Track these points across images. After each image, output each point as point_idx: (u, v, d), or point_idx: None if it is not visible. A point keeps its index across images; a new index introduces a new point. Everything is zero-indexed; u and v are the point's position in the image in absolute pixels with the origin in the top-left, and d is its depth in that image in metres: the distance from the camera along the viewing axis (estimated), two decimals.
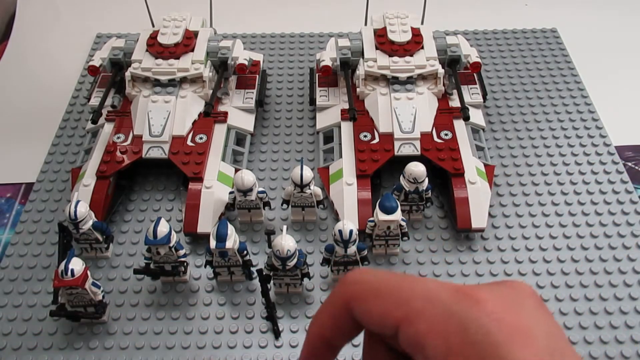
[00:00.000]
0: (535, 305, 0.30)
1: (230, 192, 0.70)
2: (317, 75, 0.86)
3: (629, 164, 0.81)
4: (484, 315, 0.29)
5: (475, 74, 0.85)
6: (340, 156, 0.75)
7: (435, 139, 0.75)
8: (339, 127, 0.79)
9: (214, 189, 0.71)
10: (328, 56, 0.81)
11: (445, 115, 0.77)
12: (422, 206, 0.71)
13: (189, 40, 0.80)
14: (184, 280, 0.67)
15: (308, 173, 0.67)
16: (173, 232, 0.62)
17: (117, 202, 0.74)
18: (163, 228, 0.61)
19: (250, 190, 0.67)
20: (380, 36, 0.81)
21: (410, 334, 0.30)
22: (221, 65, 0.80)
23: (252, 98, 0.83)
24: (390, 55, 0.79)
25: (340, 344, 0.35)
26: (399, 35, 0.80)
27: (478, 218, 0.69)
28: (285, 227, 0.61)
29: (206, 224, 0.69)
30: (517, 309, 0.30)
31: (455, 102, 0.79)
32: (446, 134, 0.75)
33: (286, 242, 0.59)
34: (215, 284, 0.67)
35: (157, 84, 0.78)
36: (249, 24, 1.04)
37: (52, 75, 0.97)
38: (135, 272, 0.64)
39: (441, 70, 0.79)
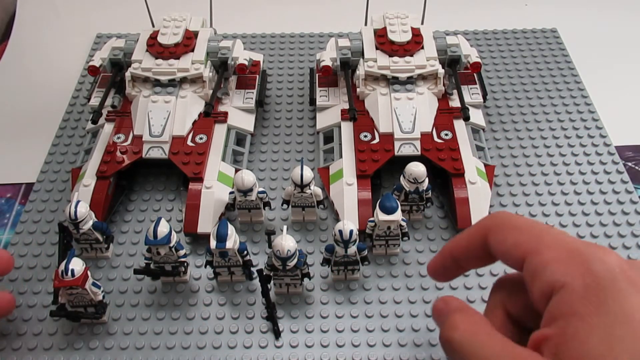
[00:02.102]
0: None
1: (231, 192, 0.70)
2: (317, 75, 0.86)
3: (629, 164, 0.81)
4: (612, 263, 0.30)
5: (475, 74, 0.85)
6: (341, 156, 0.75)
7: (436, 139, 0.75)
8: (339, 127, 0.79)
9: (214, 189, 0.71)
10: (328, 56, 0.81)
11: (446, 115, 0.77)
12: (423, 206, 0.71)
13: (189, 41, 0.80)
14: (184, 281, 0.67)
15: (308, 173, 0.67)
16: (173, 232, 0.62)
17: (117, 202, 0.74)
18: (163, 228, 0.61)
19: (251, 190, 0.67)
20: (381, 36, 0.81)
21: (534, 263, 0.32)
22: (221, 66, 0.80)
23: (252, 98, 0.83)
24: (390, 56, 0.79)
25: (466, 266, 0.41)
26: (399, 35, 0.80)
27: (478, 218, 0.68)
28: (285, 227, 0.61)
29: (206, 224, 0.69)
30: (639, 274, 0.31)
31: (455, 102, 0.79)
32: (446, 134, 0.75)
33: (286, 242, 0.59)
34: (216, 284, 0.67)
35: (157, 84, 0.78)
36: (249, 24, 1.04)
37: (52, 75, 0.97)
38: (136, 272, 0.64)
39: (441, 70, 0.79)
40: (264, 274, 0.61)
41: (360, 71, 0.79)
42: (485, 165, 0.75)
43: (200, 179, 0.72)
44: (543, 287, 0.32)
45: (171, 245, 0.62)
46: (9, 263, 0.60)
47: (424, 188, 0.68)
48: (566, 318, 0.30)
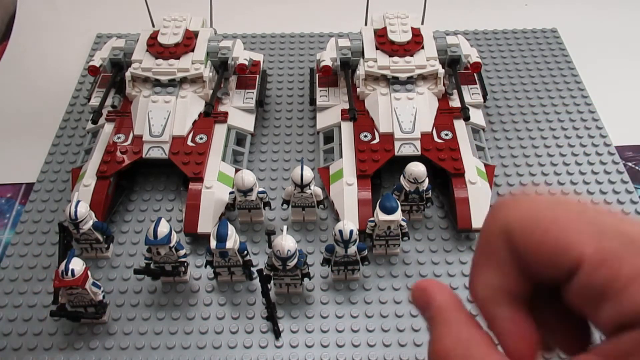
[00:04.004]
0: None
1: (231, 192, 0.70)
2: (317, 75, 0.86)
3: (630, 164, 0.81)
4: None
5: (475, 74, 0.85)
6: (341, 156, 0.75)
7: (436, 139, 0.75)
8: (339, 127, 0.79)
9: (214, 189, 0.71)
10: (328, 56, 0.81)
11: (446, 115, 0.77)
12: (423, 206, 0.71)
13: (189, 41, 0.80)
14: (184, 281, 0.67)
15: (308, 173, 0.67)
16: (173, 232, 0.62)
17: (118, 202, 0.74)
18: (163, 228, 0.61)
19: (251, 190, 0.67)
20: (381, 36, 0.81)
21: (601, 277, 0.22)
22: (221, 66, 0.80)
23: (252, 98, 0.83)
24: (390, 56, 0.79)
25: (518, 293, 0.26)
26: (399, 35, 0.80)
27: (478, 218, 0.69)
28: (285, 227, 0.61)
29: (206, 224, 0.69)
30: None
31: (455, 102, 0.79)
32: (446, 134, 0.75)
33: (286, 242, 0.59)
34: (216, 284, 0.67)
35: (157, 84, 0.78)
36: (249, 24, 1.04)
37: (52, 75, 0.97)
38: (136, 272, 0.64)
39: (441, 70, 0.79)
40: (264, 274, 0.61)
41: (361, 71, 0.79)
42: (486, 165, 0.75)
43: (200, 179, 0.72)
44: (621, 317, 0.22)
45: (171, 245, 0.62)
46: None
47: (424, 188, 0.68)
48: None
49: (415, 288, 0.28)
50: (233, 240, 0.61)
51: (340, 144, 0.77)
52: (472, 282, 0.27)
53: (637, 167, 0.81)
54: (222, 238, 0.61)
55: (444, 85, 0.80)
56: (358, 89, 0.80)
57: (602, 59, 0.97)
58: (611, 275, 0.22)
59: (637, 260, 0.22)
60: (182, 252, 0.64)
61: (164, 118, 0.75)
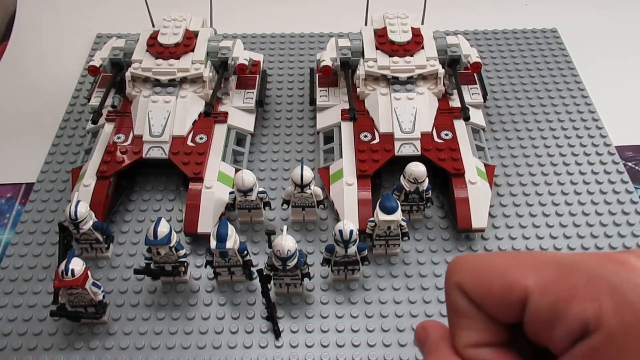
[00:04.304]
0: None
1: (231, 192, 0.70)
2: (317, 75, 0.86)
3: (630, 164, 0.81)
4: (638, 276, 0.24)
5: (475, 74, 0.85)
6: (341, 156, 0.75)
7: (436, 139, 0.75)
8: (339, 127, 0.79)
9: (214, 189, 0.71)
10: (328, 56, 0.81)
11: (446, 116, 0.77)
12: (423, 206, 0.71)
13: (189, 41, 0.80)
14: (184, 281, 0.67)
15: (308, 173, 0.67)
16: (173, 232, 0.62)
17: (118, 202, 0.74)
18: (163, 228, 0.61)
19: (251, 190, 0.67)
20: (381, 36, 0.81)
21: (546, 303, 0.24)
22: (221, 66, 0.80)
23: (252, 98, 0.83)
24: (390, 56, 0.79)
25: (494, 341, 0.28)
26: (399, 35, 0.80)
27: (478, 218, 0.69)
28: (285, 227, 0.61)
29: (206, 224, 0.69)
30: None
31: (455, 102, 0.79)
32: (446, 134, 0.75)
33: (286, 242, 0.59)
34: (216, 284, 0.67)
35: (157, 84, 0.78)
36: (249, 24, 1.04)
37: (52, 75, 0.97)
38: (136, 272, 0.64)
39: (441, 71, 0.79)
40: (264, 274, 0.61)
41: (361, 71, 0.79)
42: (486, 165, 0.75)
43: (200, 179, 0.72)
44: (569, 329, 0.24)
45: (171, 245, 0.62)
46: None
47: (424, 188, 0.68)
48: None
49: (418, 327, 0.31)
50: (233, 240, 0.61)
51: (340, 144, 0.77)
52: (455, 347, 0.29)
53: (637, 167, 0.81)
54: (222, 238, 0.61)
55: (444, 85, 0.80)
56: (358, 89, 0.80)
57: (602, 59, 0.97)
58: (554, 300, 0.24)
59: (570, 280, 0.24)
60: (182, 252, 0.64)
61: (164, 118, 0.75)
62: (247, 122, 0.82)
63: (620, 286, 0.24)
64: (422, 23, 0.85)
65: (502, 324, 0.27)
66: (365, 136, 0.75)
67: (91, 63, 0.80)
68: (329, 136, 0.80)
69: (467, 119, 0.75)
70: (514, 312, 0.26)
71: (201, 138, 0.75)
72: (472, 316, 0.28)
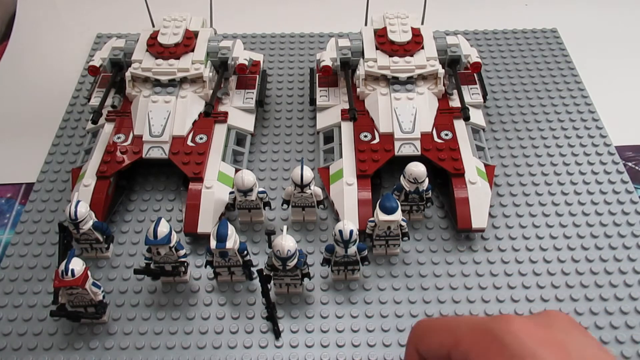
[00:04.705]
0: (567, 326, 0.35)
1: (231, 192, 0.70)
2: (317, 75, 0.86)
3: (629, 164, 0.81)
4: (517, 330, 0.33)
5: (475, 74, 0.85)
6: (341, 156, 0.75)
7: (436, 139, 0.75)
8: (339, 127, 0.79)
9: (214, 189, 0.71)
10: (328, 56, 0.81)
11: (446, 116, 0.77)
12: (423, 206, 0.71)
13: (189, 41, 0.80)
14: (184, 281, 0.67)
15: (308, 173, 0.67)
16: (173, 232, 0.62)
17: (118, 202, 0.74)
18: (163, 228, 0.61)
19: (251, 190, 0.67)
20: (381, 36, 0.81)
21: (458, 355, 0.35)
22: (221, 66, 0.80)
23: (252, 98, 0.83)
24: (390, 56, 0.79)
25: None
26: (399, 35, 0.80)
27: (478, 218, 0.69)
28: (285, 227, 0.61)
29: (206, 224, 0.69)
30: (548, 327, 0.33)
31: (455, 102, 0.79)
32: (446, 134, 0.75)
33: (286, 242, 0.59)
34: (216, 284, 0.67)
35: (158, 84, 0.78)
36: (249, 24, 1.04)
37: (52, 75, 0.97)
38: (136, 272, 0.64)
39: (441, 71, 0.79)
40: (264, 274, 0.61)
41: (361, 71, 0.79)
42: (486, 165, 0.75)
43: (200, 179, 0.72)
44: None
45: (171, 245, 0.62)
46: None
47: (424, 188, 0.68)
48: None
49: None
50: (233, 240, 0.61)
51: (340, 144, 0.77)
52: None
53: (637, 167, 0.81)
54: (222, 238, 0.61)
55: (444, 85, 0.80)
56: (358, 89, 0.80)
57: (602, 59, 0.98)
58: (461, 354, 0.35)
59: (471, 338, 0.35)
60: (182, 252, 0.64)
61: (164, 118, 0.75)
62: (247, 122, 0.82)
63: (497, 333, 0.33)
64: (422, 23, 0.85)
65: None
66: (365, 136, 0.75)
67: (91, 63, 0.80)
68: (329, 136, 0.80)
69: (467, 119, 0.75)
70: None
71: (201, 138, 0.75)
72: None
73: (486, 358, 0.33)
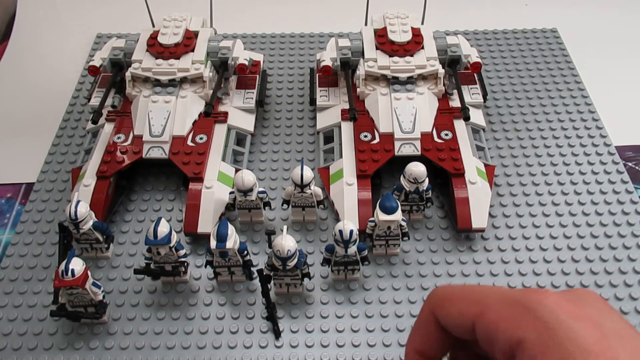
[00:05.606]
0: (598, 302, 0.33)
1: (231, 192, 0.70)
2: (317, 75, 0.86)
3: (630, 164, 0.81)
4: (552, 303, 0.31)
5: (475, 74, 0.85)
6: (341, 156, 0.75)
7: (436, 139, 0.75)
8: (339, 127, 0.79)
9: (214, 189, 0.71)
10: (328, 56, 0.81)
11: (446, 115, 0.77)
12: (423, 206, 0.71)
13: (189, 41, 0.80)
14: (184, 281, 0.67)
15: (308, 173, 0.67)
16: (173, 232, 0.62)
17: (118, 202, 0.74)
18: (163, 228, 0.61)
19: (251, 190, 0.67)
20: (381, 36, 0.81)
21: (484, 326, 0.33)
22: (221, 66, 0.80)
23: (252, 98, 0.83)
24: (390, 56, 0.79)
25: (436, 355, 0.39)
26: (399, 35, 0.80)
27: (478, 218, 0.69)
28: (285, 227, 0.61)
29: (206, 224, 0.69)
30: (579, 303, 0.32)
31: (455, 102, 0.79)
32: (446, 134, 0.75)
33: (286, 242, 0.59)
34: (216, 284, 0.67)
35: (158, 84, 0.78)
36: (249, 24, 1.04)
37: (52, 76, 0.97)
38: (136, 272, 0.64)
39: (441, 71, 0.79)
40: (264, 274, 0.61)
41: (361, 71, 0.79)
42: (486, 165, 0.75)
43: (200, 179, 0.72)
44: (503, 348, 0.32)
45: (171, 245, 0.62)
46: None
47: (424, 188, 0.68)
48: None
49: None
50: (233, 240, 0.61)
51: (340, 144, 0.77)
52: (406, 346, 0.40)
53: (637, 167, 0.81)
54: (222, 238, 0.61)
55: (444, 85, 0.80)
56: (358, 89, 0.80)
57: (602, 59, 0.98)
58: (487, 324, 0.33)
59: (500, 308, 0.33)
60: (182, 252, 0.64)
61: (164, 118, 0.75)
62: (247, 122, 0.82)
63: (530, 305, 0.32)
64: (422, 23, 0.85)
65: (449, 341, 0.38)
66: (365, 136, 0.75)
67: (91, 63, 0.80)
68: (329, 136, 0.80)
69: (467, 119, 0.75)
70: (463, 331, 0.35)
71: (201, 138, 0.76)
72: (429, 329, 0.39)
73: (517, 329, 0.31)
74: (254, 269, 0.65)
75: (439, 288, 0.39)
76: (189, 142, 0.75)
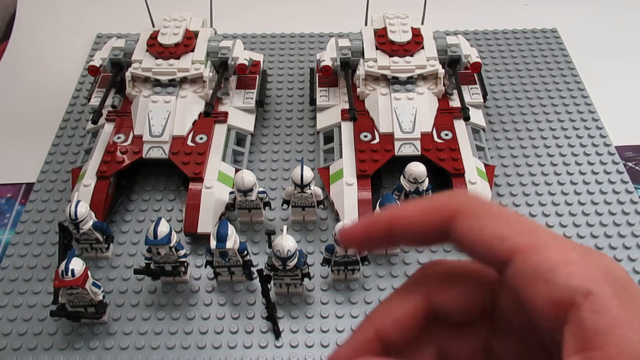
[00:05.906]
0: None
1: (231, 192, 0.70)
2: (317, 75, 0.86)
3: (630, 164, 0.81)
4: (622, 268, 0.26)
5: (475, 74, 0.85)
6: (341, 156, 0.75)
7: (436, 139, 0.75)
8: (339, 127, 0.79)
9: (214, 189, 0.71)
10: (328, 56, 0.81)
11: (446, 116, 0.77)
12: None
13: (189, 41, 0.80)
14: (184, 281, 0.67)
15: (308, 173, 0.67)
16: (173, 232, 0.62)
17: (118, 202, 0.74)
18: (163, 228, 0.61)
19: (251, 190, 0.67)
20: (381, 36, 0.81)
21: (534, 262, 0.26)
22: (221, 66, 0.80)
23: (252, 98, 0.83)
24: (390, 56, 0.79)
25: (403, 242, 0.31)
26: (399, 35, 0.80)
27: None
28: (285, 227, 0.61)
29: (206, 224, 0.69)
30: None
31: (455, 102, 0.79)
32: (446, 134, 0.75)
33: (286, 242, 0.59)
34: (216, 284, 0.67)
35: (158, 84, 0.78)
36: (249, 24, 1.04)
37: (52, 76, 0.97)
38: (136, 272, 0.64)
39: (441, 71, 0.79)
40: (264, 274, 0.61)
41: (361, 71, 0.79)
42: (485, 165, 0.75)
43: (200, 179, 0.72)
44: (555, 294, 0.26)
45: (171, 245, 0.62)
46: None
47: (424, 188, 0.68)
48: (613, 331, 0.24)
49: None
50: (233, 240, 0.61)
51: (340, 144, 0.77)
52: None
53: (637, 167, 0.81)
54: (222, 238, 0.61)
55: (444, 85, 0.80)
56: (358, 89, 0.80)
57: (602, 59, 0.97)
58: (541, 260, 0.26)
59: (565, 249, 0.26)
60: (182, 252, 0.64)
61: (164, 118, 0.75)
62: (247, 122, 0.82)
63: (605, 262, 0.26)
64: (422, 23, 0.85)
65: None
66: (365, 136, 0.75)
67: (91, 63, 0.80)
68: (329, 136, 0.80)
69: (467, 119, 0.75)
70: (493, 261, 0.28)
71: (201, 138, 0.75)
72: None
73: (594, 283, 0.25)
74: (254, 269, 0.65)
75: (470, 195, 0.29)
76: (189, 142, 0.75)
